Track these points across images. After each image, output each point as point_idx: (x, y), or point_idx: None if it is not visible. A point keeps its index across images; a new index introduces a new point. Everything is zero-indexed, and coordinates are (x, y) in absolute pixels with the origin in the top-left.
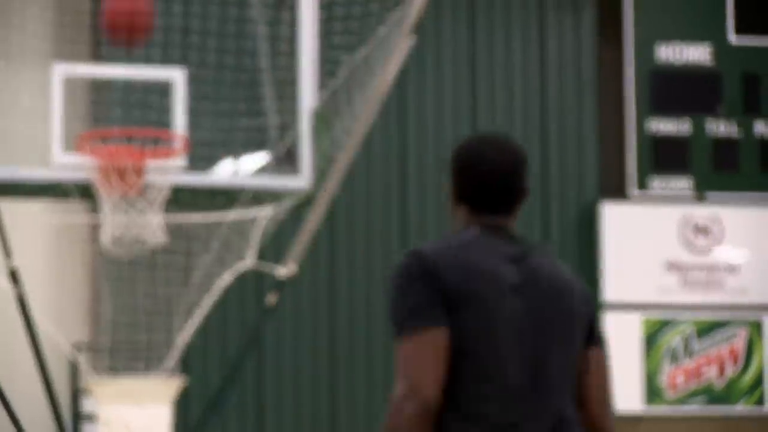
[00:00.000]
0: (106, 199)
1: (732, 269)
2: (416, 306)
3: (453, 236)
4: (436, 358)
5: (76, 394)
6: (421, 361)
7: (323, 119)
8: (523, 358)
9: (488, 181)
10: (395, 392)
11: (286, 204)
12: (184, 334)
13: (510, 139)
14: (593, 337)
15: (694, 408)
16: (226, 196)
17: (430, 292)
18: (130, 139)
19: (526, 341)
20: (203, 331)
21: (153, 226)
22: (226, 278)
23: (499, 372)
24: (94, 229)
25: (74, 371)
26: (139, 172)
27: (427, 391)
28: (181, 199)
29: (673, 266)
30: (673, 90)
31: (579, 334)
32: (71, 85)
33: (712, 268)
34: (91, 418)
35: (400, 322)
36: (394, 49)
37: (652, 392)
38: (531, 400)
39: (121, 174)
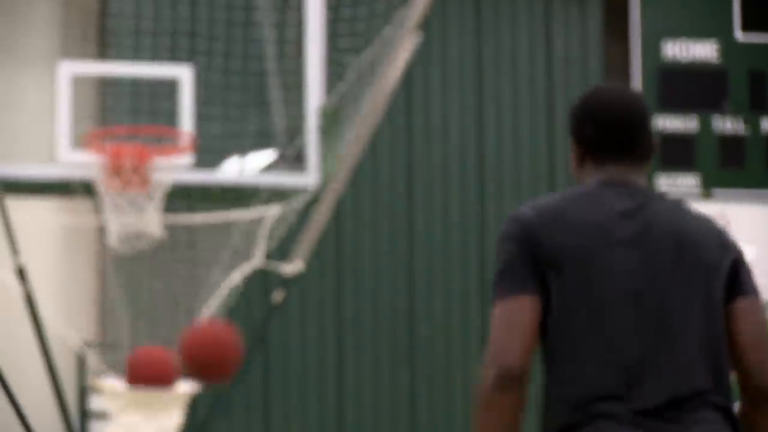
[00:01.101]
0: (113, 197)
1: None
2: (507, 271)
3: (566, 192)
4: (522, 326)
5: (83, 392)
6: (505, 329)
7: (330, 118)
8: (637, 319)
9: (607, 125)
10: (485, 356)
11: (293, 203)
12: None
13: (627, 86)
14: (738, 287)
15: None
16: (233, 195)
17: (523, 257)
18: (136, 137)
19: (640, 299)
20: None
21: (160, 223)
22: (234, 277)
23: (603, 334)
24: (102, 226)
25: (82, 368)
26: (146, 170)
27: (509, 359)
28: (187, 197)
29: None
30: (679, 87)
31: (715, 287)
32: (78, 83)
33: None
34: (98, 415)
35: (493, 286)
36: (400, 47)
37: None
38: (642, 366)
39: (128, 172)
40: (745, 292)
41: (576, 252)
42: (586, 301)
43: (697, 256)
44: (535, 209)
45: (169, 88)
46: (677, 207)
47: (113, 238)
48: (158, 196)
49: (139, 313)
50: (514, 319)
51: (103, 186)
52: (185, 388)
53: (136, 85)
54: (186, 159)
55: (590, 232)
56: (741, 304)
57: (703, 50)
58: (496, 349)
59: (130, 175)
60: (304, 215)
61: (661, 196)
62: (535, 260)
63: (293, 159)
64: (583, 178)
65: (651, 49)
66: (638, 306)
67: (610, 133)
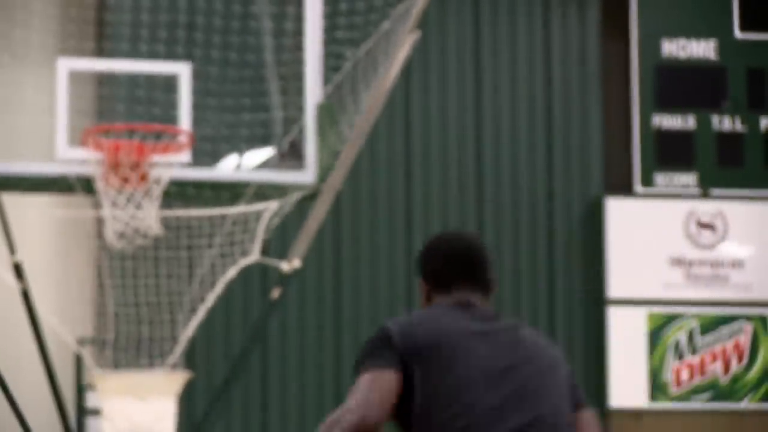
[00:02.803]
0: (110, 193)
1: (737, 265)
2: (372, 355)
3: (421, 310)
4: (384, 390)
5: (80, 389)
6: (369, 389)
7: (328, 114)
8: (496, 400)
9: (451, 258)
10: (340, 410)
11: (291, 199)
12: (189, 329)
13: (477, 236)
14: (579, 398)
15: (698, 404)
16: (230, 191)
17: (388, 349)
18: (134, 133)
19: (496, 384)
20: (208, 325)
21: (157, 220)
22: (230, 273)
23: (463, 420)
24: (99, 223)
25: (79, 366)
26: (144, 166)
27: (369, 412)
28: (185, 193)
29: (678, 262)
30: (678, 85)
31: (561, 385)
32: (76, 79)
33: (716, 264)
34: (95, 412)
35: (356, 369)
36: (399, 44)
37: (657, 388)
38: None
39: (125, 169)
40: (586, 404)
41: (437, 348)
42: (446, 391)
43: (543, 355)
44: (397, 323)
45: (168, 82)
46: (519, 324)
47: (111, 235)
48: (156, 193)
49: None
50: (378, 384)
51: (101, 182)
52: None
53: (134, 81)
54: (184, 156)
55: (451, 333)
56: (586, 415)
57: (702, 49)
58: (360, 403)
59: (128, 171)
60: (302, 212)
61: (502, 317)
62: (399, 357)
63: (291, 155)
64: (424, 298)
65: (650, 47)
66: (495, 389)
67: (456, 263)
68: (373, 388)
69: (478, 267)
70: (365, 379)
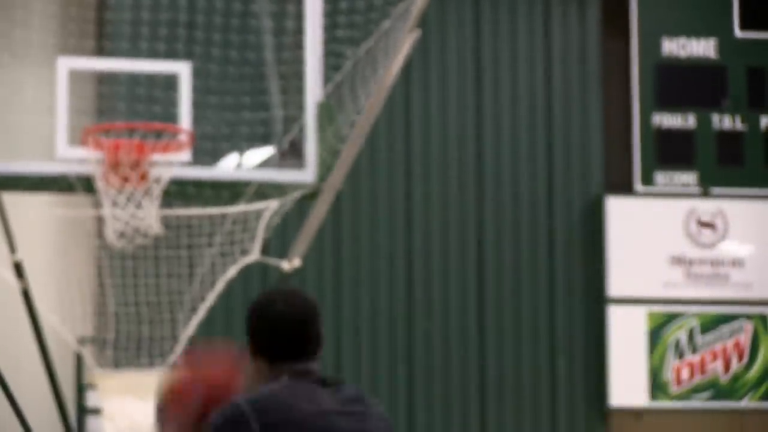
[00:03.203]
0: (111, 192)
1: (737, 263)
2: None
3: (266, 386)
4: None
5: (80, 388)
6: None
7: (328, 113)
8: None
9: (282, 329)
10: None
11: (291, 198)
12: (189, 328)
13: (300, 291)
14: None
15: (699, 403)
16: (230, 190)
17: None
18: (134, 132)
19: None
20: (208, 324)
21: (157, 219)
22: (231, 272)
23: None
24: (99, 222)
25: (79, 365)
26: (144, 165)
27: None
28: (185, 192)
29: (678, 261)
30: (678, 84)
31: None
32: (76, 78)
33: (717, 263)
34: (95, 411)
35: None
36: (399, 43)
37: (657, 387)
38: None
39: (126, 167)
40: None
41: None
42: None
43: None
44: (251, 405)
45: (168, 80)
46: (359, 393)
47: (111, 234)
48: (156, 192)
49: (137, 310)
50: None
51: (101, 182)
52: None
53: (134, 80)
54: (184, 155)
55: (308, 424)
56: None
57: (702, 48)
58: None
59: (128, 170)
60: (302, 211)
61: (343, 383)
62: None
63: (291, 154)
64: (259, 374)
65: (650, 46)
66: None
67: (287, 337)
68: None
69: (312, 336)
70: None
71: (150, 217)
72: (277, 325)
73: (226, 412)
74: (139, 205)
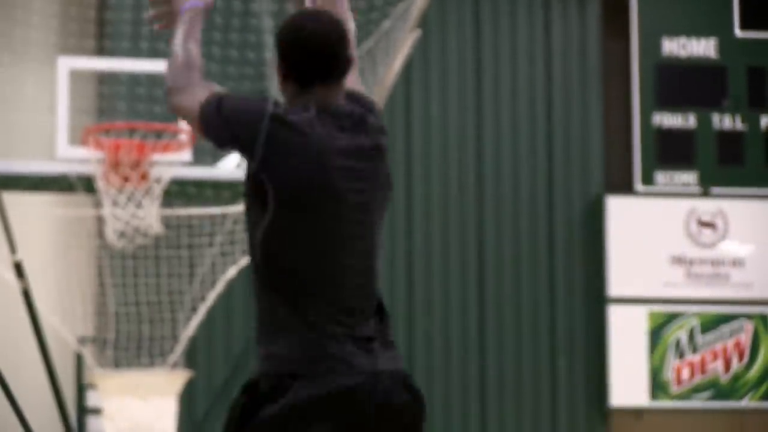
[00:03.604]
0: (111, 192)
1: (737, 263)
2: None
3: (299, 110)
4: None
5: (81, 388)
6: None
7: None
8: (353, 243)
9: (309, 51)
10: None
11: None
12: (190, 328)
13: (329, 12)
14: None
15: (699, 402)
16: (231, 190)
17: (256, 132)
18: (135, 132)
19: (357, 228)
20: (208, 324)
21: (158, 219)
22: (231, 272)
23: (326, 253)
24: (100, 222)
25: (79, 365)
26: (144, 165)
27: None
28: (186, 192)
29: (679, 260)
30: (678, 84)
31: (387, 194)
32: (77, 78)
33: (717, 263)
34: (96, 411)
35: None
36: (400, 43)
37: (658, 386)
38: (359, 282)
39: (126, 167)
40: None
41: (302, 180)
42: (310, 234)
43: (385, 175)
44: (275, 113)
45: None
46: (362, 116)
47: (111, 234)
48: (157, 192)
49: (137, 310)
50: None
51: (101, 181)
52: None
53: (135, 80)
54: (185, 154)
55: (314, 161)
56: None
57: (702, 47)
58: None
59: (128, 170)
60: None
61: (356, 98)
62: (260, 148)
63: None
64: (288, 92)
65: (650, 46)
66: (352, 226)
67: (315, 62)
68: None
69: (338, 62)
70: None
71: (150, 216)
72: (306, 46)
73: (264, 99)
74: (139, 205)
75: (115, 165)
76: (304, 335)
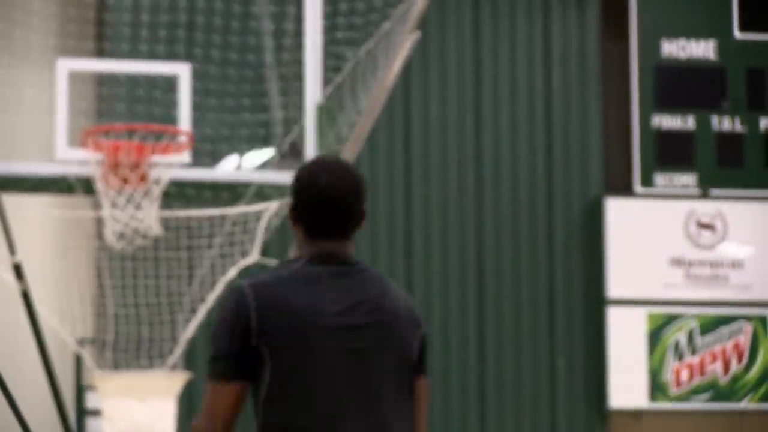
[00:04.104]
0: (110, 194)
1: (736, 265)
2: (222, 354)
3: (281, 268)
4: (225, 412)
5: (80, 389)
6: (212, 411)
7: (328, 114)
8: (345, 395)
9: (320, 205)
10: (198, 421)
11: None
12: (189, 330)
13: (348, 163)
14: (420, 366)
15: (698, 404)
16: (230, 191)
17: (238, 342)
18: (134, 134)
19: (346, 375)
20: (208, 326)
21: (157, 220)
22: (231, 273)
23: (313, 414)
24: (99, 224)
25: (79, 366)
26: (144, 167)
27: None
28: (185, 194)
29: (678, 262)
30: (677, 86)
31: (407, 360)
32: (76, 79)
33: (716, 264)
34: (95, 413)
35: (209, 362)
36: (399, 44)
37: (657, 388)
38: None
39: (125, 169)
40: (424, 371)
41: (289, 340)
42: (295, 386)
43: (395, 333)
44: (255, 290)
45: (168, 82)
46: (379, 285)
47: (110, 236)
48: (156, 193)
49: (137, 311)
50: (220, 403)
51: (101, 183)
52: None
53: (134, 81)
54: (184, 156)
55: (303, 320)
56: (420, 383)
57: (702, 49)
58: (209, 422)
59: (127, 172)
60: None
61: (366, 272)
62: (247, 346)
63: (291, 155)
64: (297, 240)
65: (649, 47)
66: (346, 383)
67: (322, 213)
68: (216, 411)
69: (348, 220)
70: (209, 396)
71: (150, 218)
72: (316, 202)
73: (233, 289)
74: (138, 207)
75: (114, 166)
76: None
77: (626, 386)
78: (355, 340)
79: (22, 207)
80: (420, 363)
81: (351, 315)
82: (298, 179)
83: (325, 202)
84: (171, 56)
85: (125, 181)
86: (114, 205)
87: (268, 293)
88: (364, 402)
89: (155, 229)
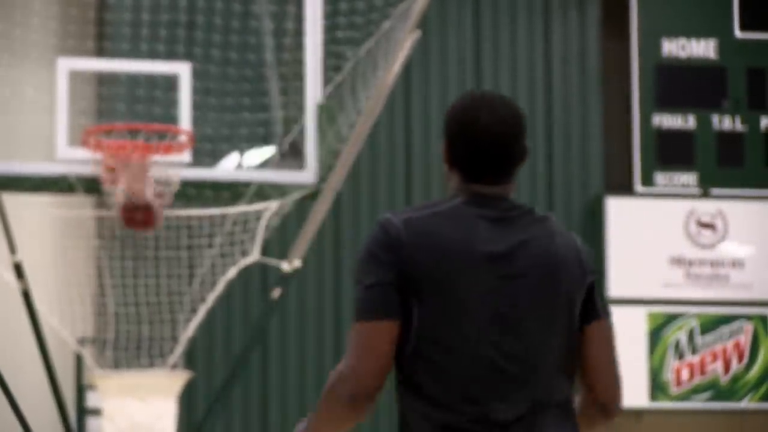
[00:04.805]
0: (111, 193)
1: (737, 264)
2: (371, 291)
3: (434, 204)
4: (379, 351)
5: (80, 389)
6: (365, 350)
7: (328, 113)
8: (497, 340)
9: (479, 149)
10: (337, 368)
11: (291, 198)
12: (189, 329)
13: (506, 98)
14: (593, 310)
15: (699, 403)
16: (230, 191)
17: (388, 276)
18: (135, 133)
19: (502, 323)
20: (208, 325)
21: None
22: (231, 273)
23: (465, 355)
24: (99, 223)
25: (79, 366)
26: (147, 166)
27: (364, 380)
28: (185, 193)
29: (678, 261)
30: (678, 85)
31: (573, 307)
32: (76, 79)
33: (716, 263)
34: (95, 412)
35: (355, 303)
36: (399, 44)
37: (657, 387)
38: (502, 384)
39: (126, 169)
40: (599, 315)
41: (439, 280)
42: (448, 325)
43: (558, 279)
44: (405, 224)
45: (168, 81)
46: (543, 224)
47: (111, 236)
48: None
49: (137, 310)
50: (372, 343)
51: (104, 182)
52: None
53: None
54: (185, 156)
55: (454, 254)
56: (595, 327)
57: (702, 48)
58: (352, 368)
59: (131, 171)
60: (302, 211)
61: (529, 212)
62: (398, 283)
63: (291, 155)
64: (451, 181)
65: (650, 46)
66: (500, 329)
67: (482, 154)
68: (368, 351)
69: (506, 158)
70: (358, 336)
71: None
72: (475, 142)
73: (381, 222)
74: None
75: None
76: None
77: (626, 385)
78: (511, 284)
79: (22, 206)
80: (592, 309)
81: (509, 257)
82: (454, 118)
83: (484, 145)
84: (171, 56)
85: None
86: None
87: (420, 228)
88: (519, 348)
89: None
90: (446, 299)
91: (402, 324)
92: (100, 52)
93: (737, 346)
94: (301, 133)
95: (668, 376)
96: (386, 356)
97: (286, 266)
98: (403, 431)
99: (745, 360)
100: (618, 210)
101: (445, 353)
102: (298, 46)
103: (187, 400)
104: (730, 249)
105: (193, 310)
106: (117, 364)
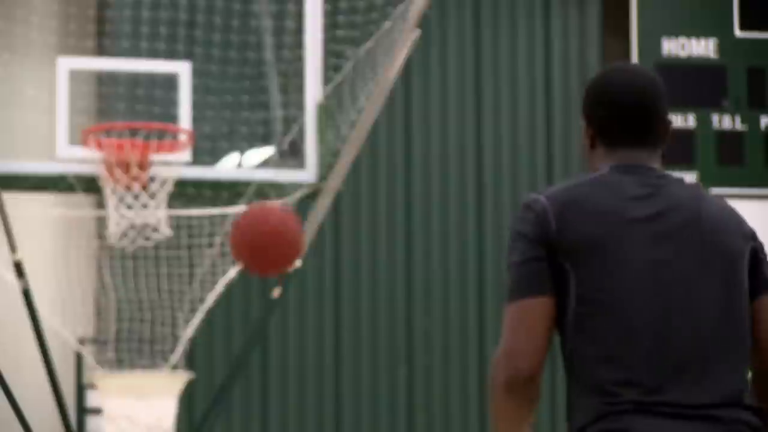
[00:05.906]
0: (111, 192)
1: None
2: (521, 268)
3: (579, 178)
4: (535, 330)
5: (81, 388)
6: (518, 332)
7: (328, 113)
8: (660, 308)
9: (621, 102)
10: (495, 354)
11: (291, 198)
12: (189, 328)
13: (642, 66)
14: (761, 281)
15: None
16: (230, 190)
17: (537, 256)
18: (135, 132)
19: (662, 288)
20: (208, 325)
21: (158, 219)
22: (231, 273)
23: (626, 326)
24: (99, 222)
25: (79, 365)
26: (144, 165)
27: (521, 363)
28: (185, 192)
29: None
30: (678, 84)
31: (738, 273)
32: (76, 78)
33: None
34: (96, 412)
35: (508, 283)
36: (399, 43)
37: None
38: (667, 356)
39: (126, 167)
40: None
41: (592, 242)
42: (606, 294)
43: (718, 241)
44: (549, 198)
45: (168, 80)
46: (695, 191)
47: (112, 235)
48: (160, 192)
49: (137, 310)
50: (527, 322)
51: (105, 181)
52: (180, 374)
53: (134, 80)
54: (184, 155)
55: (606, 221)
56: (764, 302)
57: (702, 47)
58: (508, 351)
59: (128, 170)
60: (302, 211)
61: (678, 180)
62: (549, 257)
63: (291, 154)
64: (594, 162)
65: (650, 46)
66: (660, 295)
67: (623, 116)
68: (523, 330)
69: (649, 123)
70: (512, 316)
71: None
72: (615, 103)
73: (527, 202)
74: (138, 205)
75: (115, 165)
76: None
77: None
78: (666, 242)
79: (22, 206)
80: (757, 279)
81: (661, 218)
82: (593, 86)
83: (626, 99)
84: (171, 54)
85: (125, 179)
86: (114, 203)
87: (566, 197)
88: (679, 319)
89: (160, 227)
90: (602, 259)
91: (558, 298)
92: (101, 50)
93: None
94: (301, 132)
95: None
96: (541, 336)
97: None
98: (570, 411)
99: None
100: None
101: (606, 324)
102: (298, 45)
103: (187, 399)
104: None
105: (194, 310)
106: (117, 364)
